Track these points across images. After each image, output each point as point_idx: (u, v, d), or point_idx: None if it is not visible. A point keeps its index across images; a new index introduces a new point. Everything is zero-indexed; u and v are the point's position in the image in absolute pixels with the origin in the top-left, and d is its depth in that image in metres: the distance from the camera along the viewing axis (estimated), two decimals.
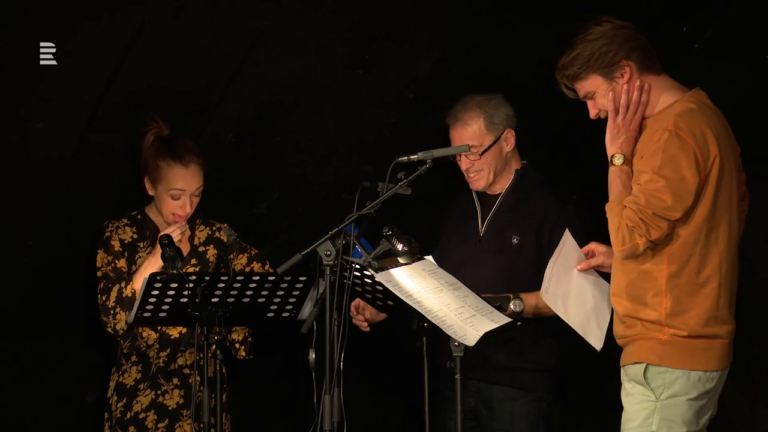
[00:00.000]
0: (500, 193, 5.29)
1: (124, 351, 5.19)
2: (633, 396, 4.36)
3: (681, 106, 4.35)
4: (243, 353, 5.32)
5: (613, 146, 4.41)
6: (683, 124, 4.28)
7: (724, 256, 4.33)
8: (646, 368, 4.32)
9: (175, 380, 5.22)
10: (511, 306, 4.94)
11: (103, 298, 5.14)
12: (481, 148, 5.20)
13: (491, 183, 5.27)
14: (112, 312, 5.12)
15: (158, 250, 5.05)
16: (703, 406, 4.35)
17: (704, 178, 4.27)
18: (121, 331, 5.13)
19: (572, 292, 4.72)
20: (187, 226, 5.22)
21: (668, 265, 4.31)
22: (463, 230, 5.34)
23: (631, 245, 4.29)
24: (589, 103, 4.47)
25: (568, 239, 4.81)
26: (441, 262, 5.21)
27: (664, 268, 4.31)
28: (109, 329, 5.14)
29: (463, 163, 5.23)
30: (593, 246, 4.74)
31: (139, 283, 5.08)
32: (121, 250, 5.21)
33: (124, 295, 5.11)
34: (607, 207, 4.39)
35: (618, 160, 4.39)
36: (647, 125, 4.39)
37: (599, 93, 4.43)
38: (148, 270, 5.08)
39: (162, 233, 5.06)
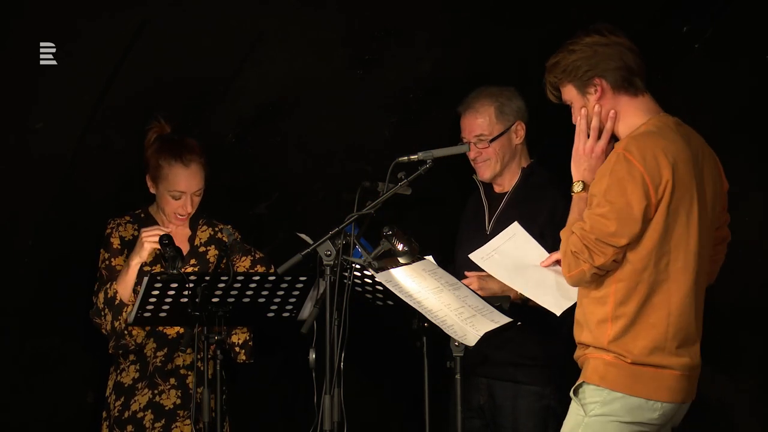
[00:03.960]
0: (507, 191, 5.31)
1: (110, 351, 5.18)
2: (569, 411, 4.29)
3: (642, 130, 4.25)
4: (243, 357, 5.31)
5: (576, 173, 4.35)
6: (634, 147, 4.17)
7: (675, 287, 4.19)
8: (583, 384, 4.24)
9: (172, 380, 5.22)
10: (519, 293, 4.96)
11: (95, 299, 5.15)
12: (490, 137, 5.22)
13: (498, 174, 5.28)
14: (103, 313, 5.12)
15: (142, 246, 5.05)
16: None
17: (655, 205, 4.15)
18: (109, 332, 5.13)
19: (526, 271, 4.71)
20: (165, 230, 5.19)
21: (615, 292, 4.20)
22: (472, 229, 5.36)
23: (577, 271, 4.21)
24: (572, 109, 4.44)
25: (518, 230, 4.81)
26: (453, 262, 5.22)
27: (611, 293, 4.21)
28: (104, 330, 5.15)
29: (472, 152, 5.26)
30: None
31: (121, 284, 5.09)
32: (119, 247, 5.22)
33: (108, 295, 5.11)
34: (561, 233, 4.32)
35: (577, 188, 4.32)
36: (614, 148, 4.30)
37: (575, 103, 4.39)
38: (129, 268, 5.09)
39: (148, 234, 5.06)
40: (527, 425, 5.14)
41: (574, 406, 4.28)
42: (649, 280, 4.19)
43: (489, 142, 5.24)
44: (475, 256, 4.79)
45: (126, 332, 5.13)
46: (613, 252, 4.16)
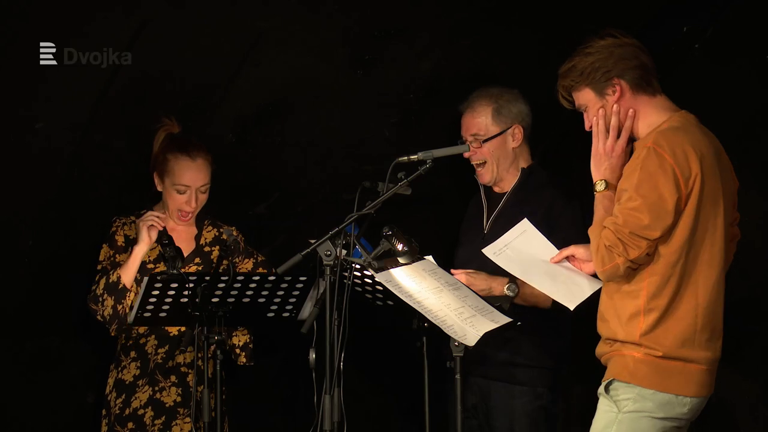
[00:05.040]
0: (507, 192, 5.30)
1: (112, 334, 5.17)
2: (599, 409, 4.30)
3: (666, 126, 4.29)
4: (243, 359, 5.32)
5: (597, 173, 4.37)
6: (664, 141, 4.20)
7: (703, 279, 4.24)
8: (613, 381, 4.26)
9: (173, 378, 5.22)
10: (506, 289, 4.95)
11: (93, 288, 5.16)
12: (484, 137, 5.22)
13: (498, 177, 5.28)
14: (100, 299, 5.13)
15: (144, 238, 5.08)
16: (669, 430, 4.26)
17: (685, 197, 4.19)
18: (108, 317, 5.13)
19: (539, 266, 4.71)
20: (164, 219, 5.19)
21: (648, 286, 4.23)
22: (472, 229, 5.36)
23: (611, 266, 4.23)
24: (585, 115, 4.44)
25: (528, 227, 4.82)
26: (453, 261, 5.23)
27: (644, 287, 4.24)
28: (99, 317, 5.15)
29: (467, 153, 5.25)
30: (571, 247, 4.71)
31: (124, 269, 5.11)
32: (124, 245, 5.23)
33: (110, 281, 5.12)
34: (589, 231, 4.34)
35: (600, 187, 4.34)
36: (635, 147, 4.33)
37: (590, 107, 4.39)
38: (134, 259, 5.11)
39: (144, 217, 5.07)
40: (522, 426, 5.13)
41: (604, 403, 4.28)
42: (680, 272, 4.23)
43: (482, 142, 5.24)
44: (488, 251, 4.79)
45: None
46: (647, 245, 4.19)
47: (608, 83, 4.34)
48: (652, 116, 4.34)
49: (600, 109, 4.35)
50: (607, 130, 4.35)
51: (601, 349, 4.38)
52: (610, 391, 4.27)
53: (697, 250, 4.24)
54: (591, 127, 4.41)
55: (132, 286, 5.13)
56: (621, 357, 4.27)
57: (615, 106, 4.33)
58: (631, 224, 4.18)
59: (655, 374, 4.22)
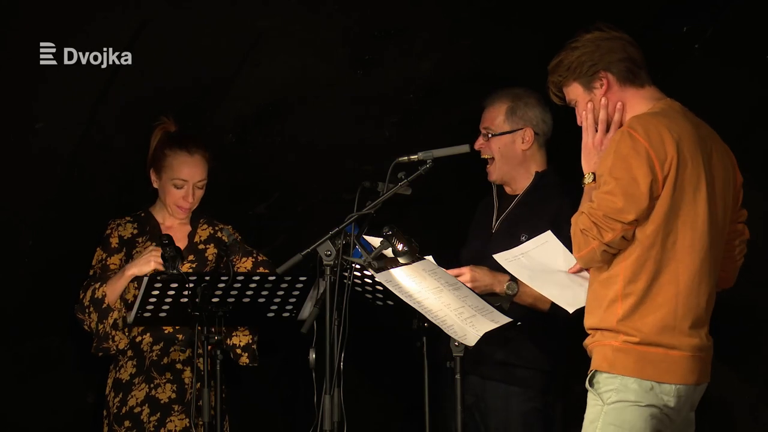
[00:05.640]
0: (519, 194, 5.30)
1: (91, 351, 5.17)
2: (588, 403, 4.25)
3: (648, 111, 4.27)
4: (246, 360, 5.30)
5: (587, 166, 4.35)
6: (638, 124, 4.18)
7: (683, 265, 4.18)
8: (596, 374, 4.21)
9: (168, 375, 5.22)
10: (506, 287, 4.94)
11: (82, 295, 5.15)
12: (493, 132, 5.23)
13: (505, 176, 5.28)
14: (87, 311, 5.13)
15: (147, 263, 5.05)
16: (659, 420, 4.19)
17: (661, 180, 4.15)
18: (92, 331, 5.13)
19: (550, 275, 4.71)
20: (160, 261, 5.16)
21: (624, 270, 4.19)
22: (480, 228, 5.37)
23: (587, 250, 4.19)
24: (576, 110, 4.44)
25: (550, 238, 4.82)
26: (458, 259, 5.25)
27: (621, 272, 4.19)
28: (86, 327, 5.15)
29: (477, 143, 5.26)
30: None
31: (110, 287, 5.09)
32: (117, 246, 5.22)
33: (96, 295, 5.12)
34: (572, 218, 4.32)
35: (588, 179, 4.32)
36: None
37: (580, 101, 4.38)
38: (123, 276, 5.08)
39: (153, 249, 5.06)
40: (516, 426, 5.12)
41: (591, 397, 4.24)
42: (657, 257, 4.18)
43: (489, 137, 5.26)
44: (500, 257, 4.78)
45: (110, 336, 5.12)
46: (621, 228, 4.15)
47: (595, 77, 4.32)
48: (638, 106, 4.32)
49: (588, 103, 4.35)
50: (596, 124, 4.35)
51: (586, 341, 4.35)
52: (594, 383, 4.22)
53: (676, 236, 4.19)
54: (581, 121, 4.41)
55: (116, 303, 5.12)
56: (601, 347, 4.22)
57: (603, 99, 4.33)
58: (604, 207, 4.15)
59: (636, 362, 4.16)
